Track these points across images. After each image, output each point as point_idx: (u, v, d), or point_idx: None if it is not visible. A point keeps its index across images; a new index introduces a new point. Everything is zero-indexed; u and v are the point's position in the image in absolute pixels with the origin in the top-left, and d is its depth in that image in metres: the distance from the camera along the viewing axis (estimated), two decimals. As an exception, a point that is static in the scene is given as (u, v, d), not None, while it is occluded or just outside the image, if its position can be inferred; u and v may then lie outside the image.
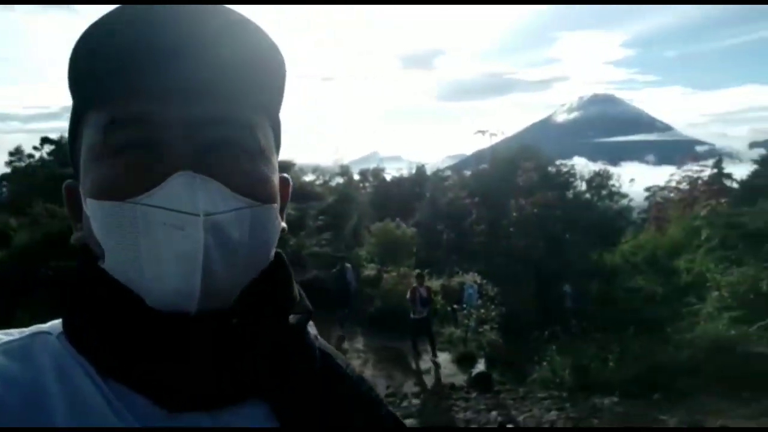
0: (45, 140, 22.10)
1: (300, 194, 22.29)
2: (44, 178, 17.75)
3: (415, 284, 11.52)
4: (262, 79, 0.60)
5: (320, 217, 19.98)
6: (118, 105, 0.54)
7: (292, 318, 0.62)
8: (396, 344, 11.74)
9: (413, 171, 34.67)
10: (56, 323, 0.59)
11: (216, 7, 0.56)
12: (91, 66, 0.54)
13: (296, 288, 0.66)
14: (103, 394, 0.52)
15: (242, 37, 0.57)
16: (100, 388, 0.52)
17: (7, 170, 28.31)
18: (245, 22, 0.57)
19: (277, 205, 0.61)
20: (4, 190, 28.93)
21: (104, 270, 0.55)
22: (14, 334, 0.56)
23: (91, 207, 0.55)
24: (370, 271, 17.28)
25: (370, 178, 36.30)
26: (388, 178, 35.70)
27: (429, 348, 11.03)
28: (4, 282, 11.05)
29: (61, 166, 19.05)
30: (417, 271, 13.05)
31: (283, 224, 0.65)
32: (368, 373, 10.31)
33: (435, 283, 16.88)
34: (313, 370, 0.62)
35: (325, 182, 28.00)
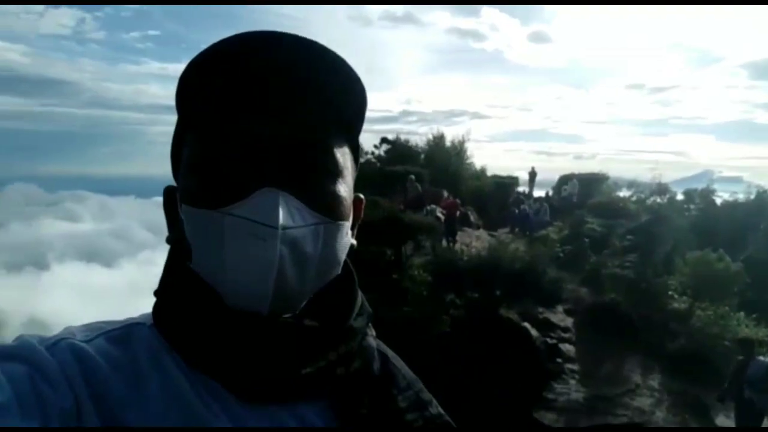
0: (383, 140, 24.70)
1: (609, 210, 21.08)
2: (374, 173, 19.64)
3: None
4: (348, 106, 0.66)
5: (628, 237, 18.58)
6: (216, 121, 0.60)
7: (354, 321, 0.67)
8: (698, 391, 10.31)
9: (752, 196, 29.61)
10: (148, 314, 0.67)
11: (310, 41, 0.61)
12: (195, 86, 0.61)
13: (359, 294, 0.72)
14: (192, 383, 0.58)
15: (332, 68, 0.63)
16: (189, 378, 0.58)
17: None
18: (334, 56, 0.62)
19: (348, 223, 0.66)
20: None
21: (191, 269, 0.62)
22: (114, 323, 0.63)
23: (185, 212, 0.62)
24: (679, 303, 15.58)
25: (697, 200, 32.25)
26: (718, 201, 31.24)
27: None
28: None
29: (389, 164, 21.06)
30: None
31: (353, 240, 0.70)
32: (660, 416, 9.34)
33: (762, 332, 14.32)
34: (370, 370, 0.68)
35: (641, 200, 25.73)
